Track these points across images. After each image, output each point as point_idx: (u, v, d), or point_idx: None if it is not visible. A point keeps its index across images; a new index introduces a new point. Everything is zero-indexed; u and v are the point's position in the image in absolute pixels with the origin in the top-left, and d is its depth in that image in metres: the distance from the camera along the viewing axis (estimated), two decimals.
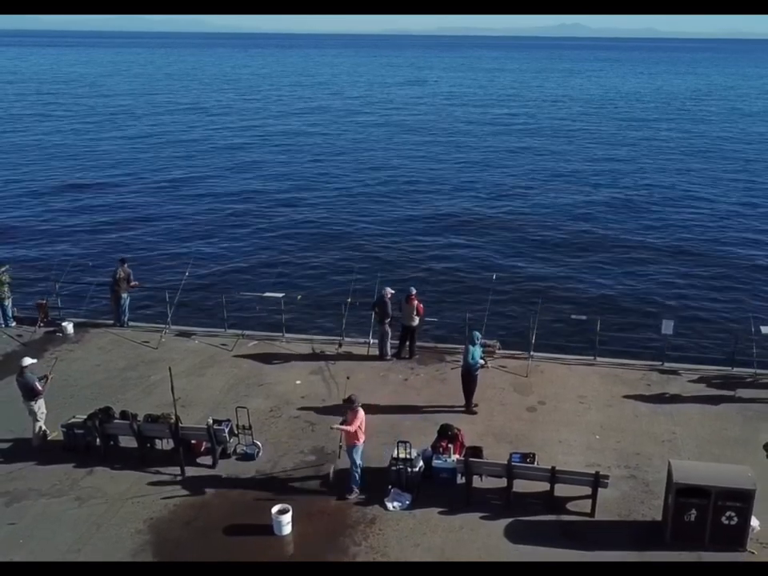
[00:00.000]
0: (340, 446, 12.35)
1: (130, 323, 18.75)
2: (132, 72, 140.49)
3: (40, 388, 13.24)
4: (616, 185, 42.56)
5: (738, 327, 16.99)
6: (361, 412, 11.75)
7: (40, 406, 13.26)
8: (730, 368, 16.33)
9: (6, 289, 18.41)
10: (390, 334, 16.79)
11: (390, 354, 16.82)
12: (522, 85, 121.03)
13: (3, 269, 18.71)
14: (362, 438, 11.81)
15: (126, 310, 18.69)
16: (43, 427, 13.43)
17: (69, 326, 18.22)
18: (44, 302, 18.86)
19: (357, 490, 11.90)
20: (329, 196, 39.63)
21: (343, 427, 11.68)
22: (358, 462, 11.87)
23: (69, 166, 47.53)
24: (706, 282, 25.74)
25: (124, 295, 18.54)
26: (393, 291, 16.87)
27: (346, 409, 11.88)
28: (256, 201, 38.55)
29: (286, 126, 68.40)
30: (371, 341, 17.18)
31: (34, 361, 13.84)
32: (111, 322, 18.87)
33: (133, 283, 18.58)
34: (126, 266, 18.61)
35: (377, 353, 16.94)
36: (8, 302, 18.56)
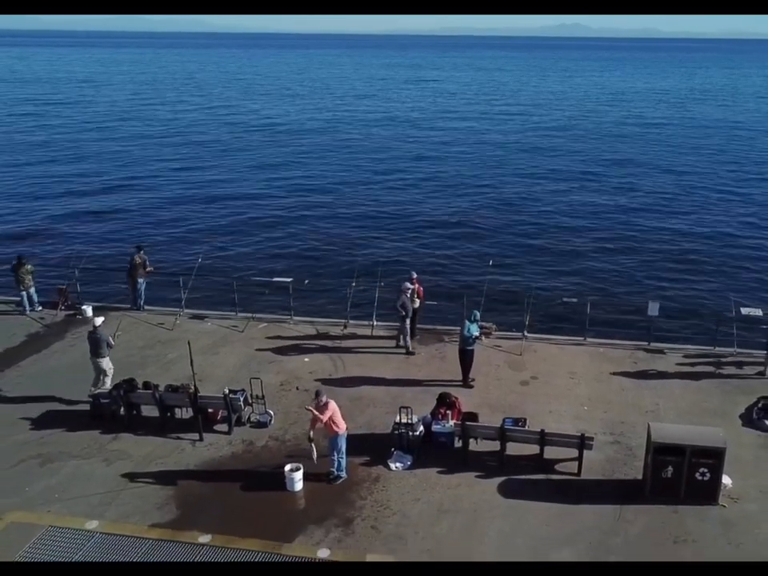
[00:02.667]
0: (311, 440, 12.17)
1: (146, 307, 19.76)
2: (143, 70, 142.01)
3: (113, 342, 14.83)
4: (605, 174, 44.69)
5: (720, 309, 17.98)
6: (331, 404, 11.85)
7: (108, 362, 14.71)
8: (712, 347, 17.33)
9: (31, 277, 19.44)
10: (406, 330, 16.96)
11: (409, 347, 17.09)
12: (524, 84, 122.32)
13: (25, 259, 19.65)
14: (341, 427, 12.01)
15: (142, 294, 19.71)
16: (108, 383, 14.67)
17: (88, 309, 19.17)
18: (64, 287, 19.88)
19: (344, 475, 12.23)
20: (333, 186, 41.28)
21: (315, 413, 11.75)
22: (343, 450, 12.09)
23: (85, 160, 49.26)
24: (690, 266, 27.07)
25: (140, 280, 19.56)
26: (411, 287, 17.06)
27: (317, 405, 11.87)
28: (264, 191, 40.29)
29: (293, 118, 70.81)
30: (374, 322, 18.19)
31: (103, 318, 15.29)
32: (128, 305, 19.90)
33: (149, 269, 19.60)
34: (141, 252, 19.65)
35: (380, 333, 17.94)
36: (32, 290, 19.57)
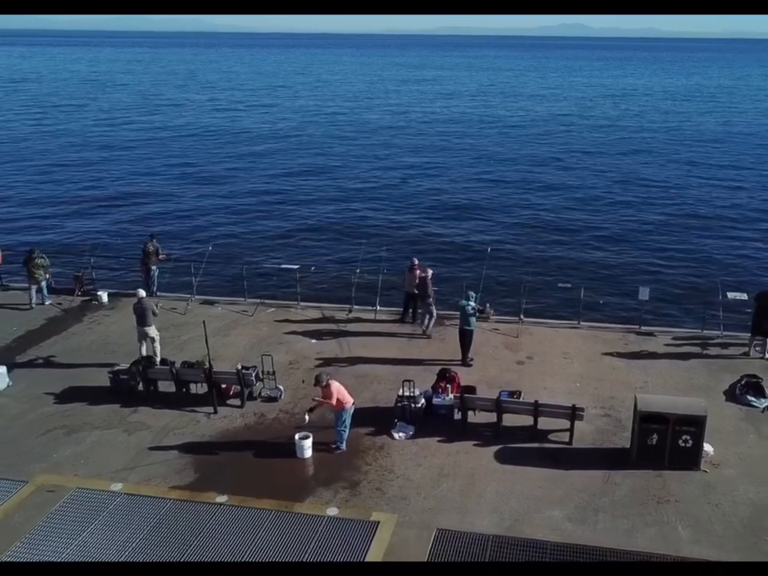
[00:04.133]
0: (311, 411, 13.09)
1: (159, 293, 20.58)
2: (145, 69, 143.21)
3: (157, 310, 16.34)
4: (600, 165, 46.29)
5: (707, 293, 18.75)
6: (334, 384, 12.72)
7: (154, 329, 16.06)
8: (700, 330, 18.15)
9: (42, 272, 19.48)
10: (433, 313, 17.61)
11: (427, 330, 17.66)
12: (527, 81, 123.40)
13: (36, 254, 19.53)
14: (347, 403, 12.82)
15: (156, 281, 20.55)
16: (159, 349, 16.05)
17: (104, 295, 20.11)
18: (80, 274, 20.72)
19: (343, 447, 12.96)
20: (337, 178, 42.78)
21: (324, 401, 12.70)
22: (348, 423, 12.91)
23: (100, 154, 50.94)
24: (680, 253, 28.15)
25: (153, 267, 20.39)
26: (433, 271, 17.94)
27: (319, 388, 12.78)
28: (272, 183, 41.86)
29: (298, 111, 73.24)
30: (378, 307, 19.04)
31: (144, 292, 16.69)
32: None
33: (162, 255, 20.44)
34: (154, 240, 20.47)
35: (383, 318, 18.80)
36: (44, 283, 19.66)
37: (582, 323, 18.59)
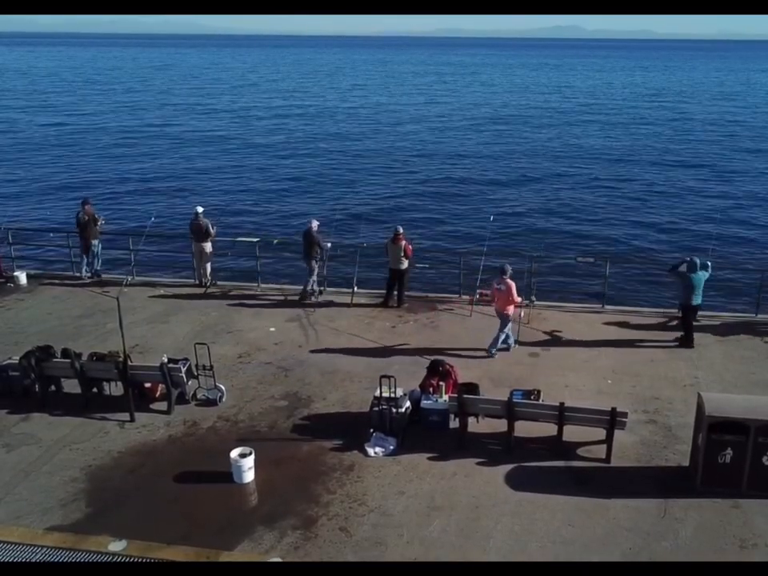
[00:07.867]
0: None
1: (103, 274, 17.06)
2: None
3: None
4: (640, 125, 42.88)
5: (760, 271, 15.23)
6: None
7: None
8: (753, 315, 14.77)
9: None
10: (315, 270, 15.46)
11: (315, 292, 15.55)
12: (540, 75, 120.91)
13: None
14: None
15: (98, 258, 17.01)
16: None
17: (21, 276, 16.55)
18: None
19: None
20: (313, 137, 38.64)
21: (517, 298, 12.74)
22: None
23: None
24: (727, 225, 23.79)
25: (94, 242, 16.83)
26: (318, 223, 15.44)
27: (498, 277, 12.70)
28: (230, 144, 37.57)
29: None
30: (355, 288, 15.52)
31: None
32: (70, 272, 17.21)
33: (101, 222, 16.85)
34: (89, 206, 16.83)
35: (362, 301, 15.33)
36: None
37: (606, 306, 15.14)
